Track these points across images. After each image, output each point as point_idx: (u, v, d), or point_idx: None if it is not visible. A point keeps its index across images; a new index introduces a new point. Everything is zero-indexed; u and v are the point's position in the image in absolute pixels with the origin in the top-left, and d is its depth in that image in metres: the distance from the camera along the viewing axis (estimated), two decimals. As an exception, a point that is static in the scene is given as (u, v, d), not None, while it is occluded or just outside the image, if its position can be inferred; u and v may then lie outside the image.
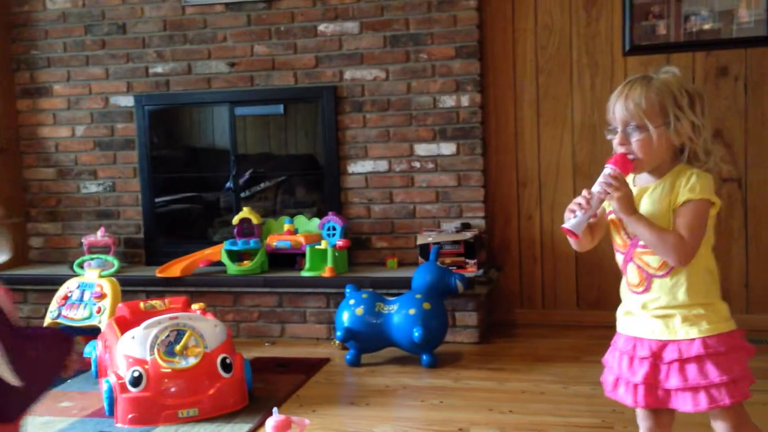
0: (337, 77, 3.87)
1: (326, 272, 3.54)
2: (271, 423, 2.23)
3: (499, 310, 3.87)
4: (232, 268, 3.71)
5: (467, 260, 3.56)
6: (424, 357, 3.12)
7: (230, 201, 4.11)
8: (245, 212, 3.79)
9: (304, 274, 3.61)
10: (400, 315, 3.10)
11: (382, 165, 3.86)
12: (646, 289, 1.64)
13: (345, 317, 3.14)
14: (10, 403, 1.31)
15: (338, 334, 3.14)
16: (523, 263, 3.85)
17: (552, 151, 3.76)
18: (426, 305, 3.10)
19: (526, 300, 3.86)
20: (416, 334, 3.02)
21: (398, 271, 3.64)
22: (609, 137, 1.67)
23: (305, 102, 4.00)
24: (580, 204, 1.61)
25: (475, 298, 3.47)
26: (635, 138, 1.60)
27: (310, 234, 3.72)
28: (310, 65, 3.88)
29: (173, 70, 4.06)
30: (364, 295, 3.18)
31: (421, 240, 3.63)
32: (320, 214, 3.83)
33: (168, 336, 2.63)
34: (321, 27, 3.85)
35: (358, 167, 3.88)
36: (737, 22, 3.48)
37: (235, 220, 3.81)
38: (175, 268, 3.71)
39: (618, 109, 1.62)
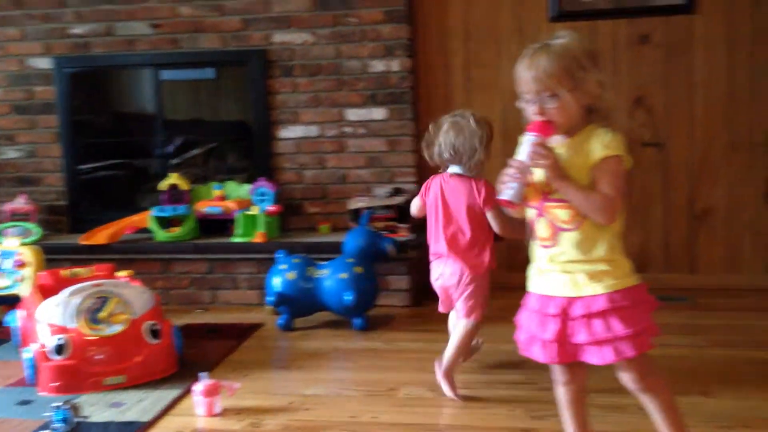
0: (265, 41, 3.80)
1: (257, 238, 3.52)
2: (199, 388, 2.21)
3: (428, 273, 3.91)
4: (161, 235, 3.64)
5: (399, 224, 3.59)
6: (356, 320, 3.15)
7: (159, 168, 4.01)
8: (173, 178, 3.72)
9: (235, 240, 3.58)
10: (331, 279, 3.11)
11: (313, 130, 3.83)
12: (555, 243, 1.68)
13: (276, 282, 3.13)
14: None
15: (270, 299, 3.13)
16: (454, 227, 3.90)
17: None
18: (358, 269, 3.12)
19: (456, 263, 3.92)
20: (348, 297, 3.04)
21: (330, 236, 3.64)
22: (523, 107, 1.67)
23: (233, 66, 3.93)
24: (512, 175, 1.63)
25: (406, 262, 3.51)
26: (550, 105, 1.61)
27: (241, 200, 3.68)
28: (237, 28, 3.80)
29: (93, 31, 3.92)
30: (296, 260, 3.18)
31: (352, 205, 3.63)
32: (251, 180, 3.78)
33: (93, 303, 2.57)
34: (249, -12, 3.78)
35: (289, 132, 3.85)
36: (659, -10, 3.58)
37: (163, 186, 3.72)
38: (100, 236, 3.62)
39: (527, 80, 1.62)
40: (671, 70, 3.60)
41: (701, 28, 3.55)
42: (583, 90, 1.62)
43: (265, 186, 3.58)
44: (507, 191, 1.63)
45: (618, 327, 1.61)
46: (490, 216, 2.38)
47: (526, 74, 1.63)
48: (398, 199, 3.61)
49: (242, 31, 3.80)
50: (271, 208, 3.55)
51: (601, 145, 1.61)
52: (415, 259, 3.57)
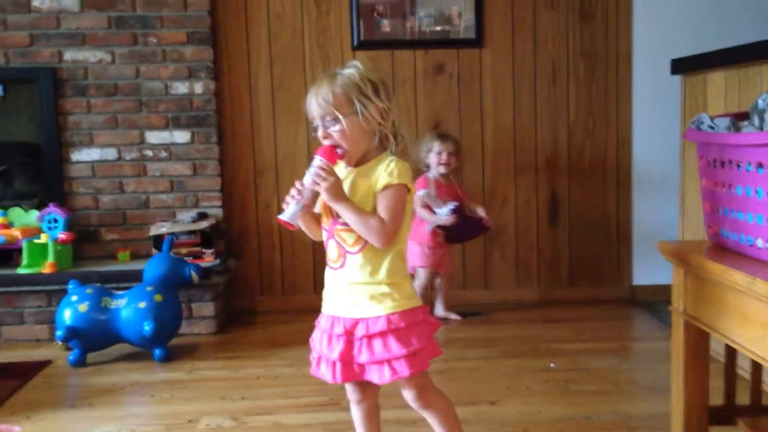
0: (56, 58, 3.58)
1: (47, 268, 3.28)
2: (-31, 435, 2.02)
3: (239, 298, 3.87)
4: (-67, 268, 3.29)
5: (204, 250, 3.51)
6: (157, 351, 3.02)
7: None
8: (-53, 205, 3.38)
9: (21, 271, 3.31)
10: (129, 309, 2.97)
11: (111, 153, 3.66)
12: (342, 265, 1.74)
13: (67, 315, 2.94)
14: None
15: (59, 333, 2.93)
16: (263, 251, 3.89)
17: (288, 140, 3.83)
18: (158, 297, 3.00)
19: (266, 287, 3.90)
20: (147, 327, 2.92)
21: (130, 264, 3.48)
22: (314, 134, 1.75)
23: (19, 83, 3.65)
24: (293, 196, 1.67)
25: (212, 288, 3.43)
26: (333, 129, 1.70)
27: (28, 227, 3.41)
28: (23, 44, 3.55)
29: None
30: (89, 291, 3.00)
31: (154, 231, 3.50)
32: (42, 206, 3.52)
33: None
34: (35, 3, 3.54)
35: (84, 155, 3.64)
36: (452, 25, 3.81)
37: (-65, 214, 3.38)
38: None
39: (313, 106, 1.71)
40: (464, 98, 3.84)
41: (489, 61, 3.83)
42: (364, 117, 1.69)
43: (55, 212, 3.35)
44: (285, 212, 1.68)
45: (395, 347, 1.68)
46: None
47: (311, 100, 1.72)
48: (203, 224, 3.53)
49: (29, 47, 3.55)
50: (62, 235, 3.33)
51: (386, 172, 1.69)
52: (222, 284, 3.51)
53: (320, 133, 1.71)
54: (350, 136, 1.69)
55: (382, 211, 1.68)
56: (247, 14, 3.77)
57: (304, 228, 1.79)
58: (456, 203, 3.43)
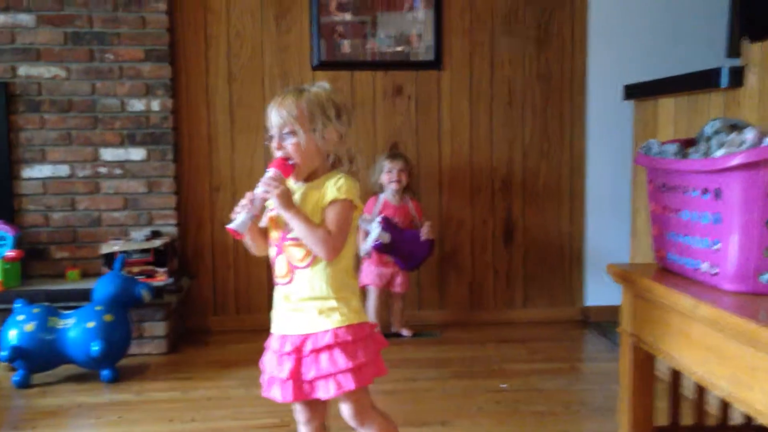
0: (8, 73, 3.52)
1: (-7, 286, 3.19)
2: None
3: (192, 318, 3.81)
4: None
5: (157, 269, 3.45)
6: (105, 372, 2.96)
7: None
8: None
9: (-34, 289, 3.22)
10: (77, 329, 2.90)
11: (63, 170, 3.59)
12: (291, 281, 1.75)
13: (12, 335, 2.86)
14: None
15: (3, 353, 2.84)
16: (217, 270, 3.84)
17: (246, 156, 3.81)
18: (107, 317, 2.94)
19: (219, 307, 3.85)
20: (95, 348, 2.85)
21: (80, 283, 3.40)
22: (267, 144, 1.76)
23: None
24: (243, 205, 1.68)
25: (164, 308, 3.37)
26: (288, 142, 1.72)
27: (-25, 245, 3.32)
28: (-25, 57, 3.48)
29: None
30: (36, 310, 2.93)
31: (105, 249, 3.43)
32: (-11, 223, 3.44)
33: None
34: (-11, 16, 3.49)
35: (35, 172, 3.57)
36: (412, 47, 3.85)
37: None
38: None
39: (273, 116, 1.73)
40: (422, 120, 3.87)
41: (447, 83, 3.87)
42: (322, 135, 1.73)
43: (3, 229, 3.27)
44: (235, 221, 1.69)
45: (341, 360, 1.69)
46: None
47: (272, 111, 1.74)
48: (156, 243, 3.48)
49: (-19, 60, 3.49)
50: (10, 253, 3.24)
51: (334, 188, 1.72)
52: (174, 303, 3.46)
53: (274, 143, 1.73)
54: (304, 152, 1.72)
55: (329, 224, 1.71)
56: (206, 31, 3.76)
57: (248, 241, 1.79)
58: (382, 215, 3.45)
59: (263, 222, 1.82)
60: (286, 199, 1.68)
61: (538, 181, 3.94)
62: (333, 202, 1.71)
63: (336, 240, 1.69)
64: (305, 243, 1.70)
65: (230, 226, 1.69)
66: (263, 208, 1.76)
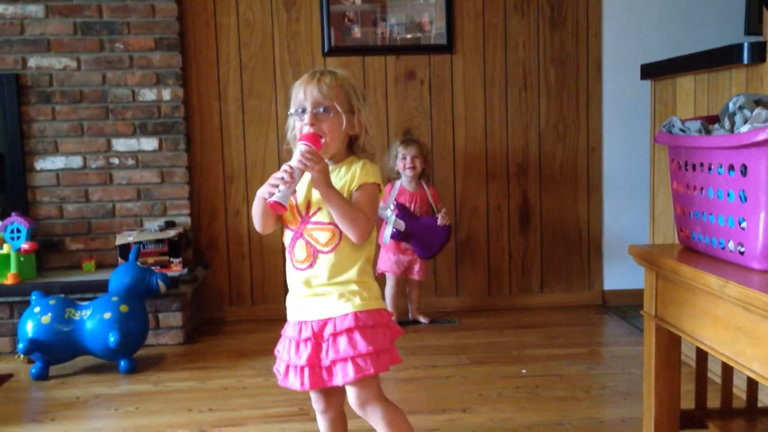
0: (19, 64, 3.50)
1: (9, 279, 3.19)
2: None
3: (207, 308, 3.80)
4: None
5: (172, 259, 3.44)
6: (122, 363, 2.95)
7: None
8: None
9: (-18, 282, 3.22)
10: (94, 320, 2.89)
11: (76, 161, 3.58)
12: (311, 265, 1.72)
13: (29, 327, 2.85)
14: None
15: (20, 346, 2.84)
16: (231, 260, 3.83)
17: (258, 146, 3.78)
18: (123, 308, 2.93)
19: (234, 297, 3.84)
20: (112, 339, 2.85)
21: (95, 274, 3.40)
22: (292, 121, 1.73)
23: (-19, 90, 3.56)
24: (282, 178, 1.62)
25: (179, 298, 3.36)
26: (325, 119, 1.69)
27: (-10, 237, 3.32)
28: (-15, 49, 3.47)
29: None
30: (52, 302, 2.92)
31: (120, 240, 3.42)
32: (4, 216, 3.43)
33: None
34: (-2, 8, 3.47)
35: (48, 164, 3.56)
36: (423, 32, 3.80)
37: None
38: None
39: (310, 92, 1.69)
40: (435, 104, 3.83)
41: (460, 67, 3.82)
42: (357, 119, 1.72)
43: (18, 221, 3.27)
44: (276, 194, 1.63)
45: (361, 343, 1.66)
46: None
47: (309, 87, 1.70)
48: (170, 233, 3.46)
49: (-9, 53, 3.48)
50: (25, 245, 3.24)
51: (362, 171, 1.71)
52: (189, 294, 3.44)
53: (309, 119, 1.68)
54: (336, 131, 1.70)
55: (363, 205, 1.69)
56: (216, 20, 3.73)
57: (258, 213, 1.73)
58: (396, 202, 3.42)
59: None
60: (325, 175, 1.64)
61: (554, 164, 3.89)
62: (363, 185, 1.69)
63: (370, 221, 1.68)
64: (339, 223, 1.66)
65: (274, 199, 1.62)
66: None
